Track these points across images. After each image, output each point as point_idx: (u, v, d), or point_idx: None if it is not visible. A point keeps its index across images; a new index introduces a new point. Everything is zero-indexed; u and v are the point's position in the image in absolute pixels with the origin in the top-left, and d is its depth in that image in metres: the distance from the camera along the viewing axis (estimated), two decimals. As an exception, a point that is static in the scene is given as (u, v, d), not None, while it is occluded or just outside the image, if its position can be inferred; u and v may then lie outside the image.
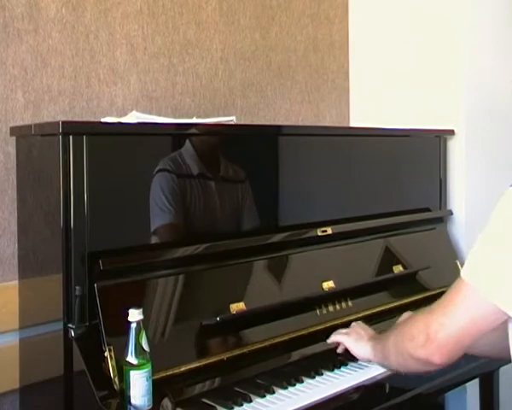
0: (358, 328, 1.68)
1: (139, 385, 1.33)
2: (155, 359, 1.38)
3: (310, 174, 1.95)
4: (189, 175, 1.67)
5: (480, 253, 1.26)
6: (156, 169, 1.60)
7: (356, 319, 1.87)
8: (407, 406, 1.52)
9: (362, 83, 2.70)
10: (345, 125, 2.72)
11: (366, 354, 1.58)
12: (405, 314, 1.70)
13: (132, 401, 1.33)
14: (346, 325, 1.82)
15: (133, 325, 1.34)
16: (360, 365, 1.66)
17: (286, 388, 1.52)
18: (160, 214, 1.59)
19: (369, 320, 1.87)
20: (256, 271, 1.75)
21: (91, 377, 1.37)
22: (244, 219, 1.79)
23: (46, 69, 1.85)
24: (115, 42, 2.00)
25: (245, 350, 1.62)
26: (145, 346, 1.34)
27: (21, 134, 1.65)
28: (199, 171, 1.68)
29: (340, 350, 1.68)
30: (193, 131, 1.72)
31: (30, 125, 1.58)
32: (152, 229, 1.59)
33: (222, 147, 1.79)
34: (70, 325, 1.44)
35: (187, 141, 1.67)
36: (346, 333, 1.68)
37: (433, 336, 1.26)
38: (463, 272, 1.27)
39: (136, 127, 1.61)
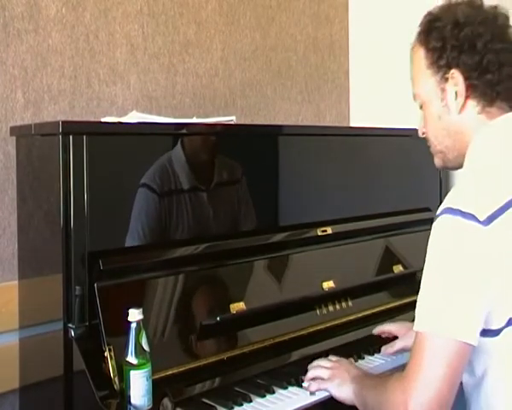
0: (341, 370, 1.49)
1: (139, 385, 1.33)
2: (155, 359, 1.38)
3: (310, 174, 1.95)
4: (189, 179, 1.67)
5: (425, 295, 1.21)
6: (150, 173, 1.58)
7: (356, 319, 1.87)
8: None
9: (362, 83, 2.70)
10: (345, 125, 2.72)
11: (348, 397, 1.43)
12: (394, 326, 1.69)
13: (132, 400, 1.33)
14: (347, 325, 1.83)
15: (133, 325, 1.34)
16: (360, 365, 1.66)
17: (286, 388, 1.52)
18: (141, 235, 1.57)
19: (369, 320, 1.87)
20: (256, 271, 1.75)
21: (91, 377, 1.37)
22: (242, 219, 1.79)
23: (46, 69, 1.85)
24: (115, 42, 2.00)
25: (245, 350, 1.61)
26: (145, 346, 1.34)
27: (21, 134, 1.65)
28: (198, 174, 1.68)
29: (313, 389, 1.50)
30: (193, 131, 1.72)
31: (30, 125, 1.58)
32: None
33: (221, 147, 1.79)
34: (70, 325, 1.44)
35: (181, 143, 1.67)
36: (329, 378, 1.48)
37: (410, 408, 1.16)
38: (418, 324, 1.20)
39: (136, 127, 1.60)
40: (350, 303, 1.89)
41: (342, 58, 2.73)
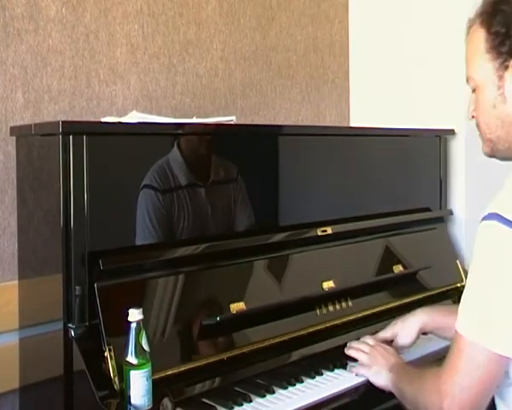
0: (379, 357, 1.57)
1: (139, 385, 1.33)
2: (155, 359, 1.38)
3: (310, 174, 1.95)
4: (189, 178, 1.67)
5: (468, 300, 1.22)
6: (149, 174, 1.59)
7: (356, 319, 1.87)
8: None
9: (362, 83, 2.70)
10: (345, 125, 2.72)
11: (385, 385, 1.50)
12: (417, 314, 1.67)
13: (132, 400, 1.33)
14: (347, 325, 1.83)
15: (133, 325, 1.34)
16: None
17: (286, 388, 1.52)
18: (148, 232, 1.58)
19: (369, 320, 1.87)
20: (256, 271, 1.75)
21: (91, 377, 1.37)
22: (242, 219, 1.79)
23: (46, 69, 1.85)
24: (115, 42, 2.00)
25: (245, 350, 1.61)
26: (145, 346, 1.34)
27: (21, 134, 1.65)
28: (199, 174, 1.68)
29: (354, 372, 1.60)
30: (193, 130, 1.72)
31: (30, 125, 1.58)
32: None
33: (221, 147, 1.78)
34: (70, 325, 1.44)
35: (178, 143, 1.66)
36: (368, 364, 1.57)
37: (446, 409, 1.20)
38: (459, 326, 1.22)
39: (136, 127, 1.60)
40: (350, 303, 1.89)
41: (342, 58, 2.73)
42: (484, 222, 1.19)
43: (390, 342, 1.70)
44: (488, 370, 1.18)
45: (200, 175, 1.70)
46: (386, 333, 1.72)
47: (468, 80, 1.35)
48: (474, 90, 1.34)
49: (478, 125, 1.35)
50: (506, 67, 1.25)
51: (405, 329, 1.68)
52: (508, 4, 1.25)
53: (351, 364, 1.63)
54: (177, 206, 1.63)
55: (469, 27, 1.33)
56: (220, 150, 1.77)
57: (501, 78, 1.26)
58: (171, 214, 1.62)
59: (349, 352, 1.65)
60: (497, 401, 1.30)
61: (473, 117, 1.36)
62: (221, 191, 1.75)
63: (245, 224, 1.80)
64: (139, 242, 1.56)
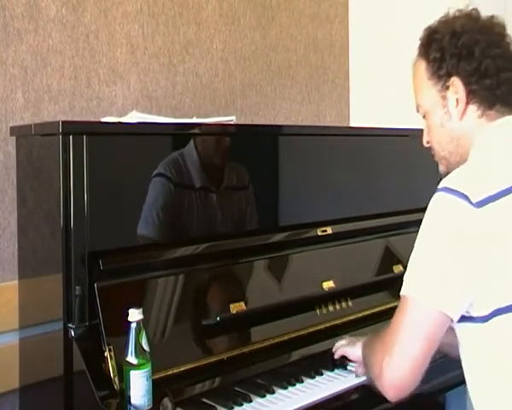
0: (357, 337, 1.64)
1: (139, 385, 1.33)
2: (155, 359, 1.38)
3: (310, 174, 1.95)
4: (189, 178, 1.67)
5: (413, 263, 1.28)
6: (155, 172, 1.60)
7: (356, 319, 1.87)
8: (407, 405, 1.52)
9: (362, 83, 2.70)
10: (345, 125, 2.72)
11: (360, 354, 1.53)
12: None
13: (132, 400, 1.33)
14: (347, 325, 1.83)
15: (133, 325, 1.34)
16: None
17: (286, 388, 1.52)
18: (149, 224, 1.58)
19: (369, 320, 1.87)
20: (256, 271, 1.75)
21: (91, 377, 1.37)
22: (244, 220, 1.79)
23: (46, 69, 1.85)
24: (115, 42, 2.00)
25: (245, 350, 1.62)
26: (145, 346, 1.34)
27: (21, 134, 1.65)
28: (199, 173, 1.68)
29: (337, 356, 1.64)
30: (193, 131, 1.72)
31: (30, 125, 1.58)
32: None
33: (221, 147, 1.78)
34: (70, 325, 1.44)
35: (189, 142, 1.67)
36: (346, 343, 1.63)
37: (384, 368, 1.24)
38: (404, 289, 1.26)
39: (136, 127, 1.60)
40: (350, 303, 1.89)
41: (342, 58, 2.73)
42: (433, 196, 1.27)
43: None
44: (427, 327, 1.22)
45: (211, 176, 1.70)
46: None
47: (417, 109, 1.47)
48: (424, 117, 1.45)
49: (433, 149, 1.46)
50: (447, 87, 1.36)
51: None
52: (439, 33, 1.39)
53: (351, 364, 1.63)
54: (184, 204, 1.63)
55: (414, 63, 1.46)
56: (220, 151, 1.77)
57: (444, 98, 1.37)
58: (177, 212, 1.62)
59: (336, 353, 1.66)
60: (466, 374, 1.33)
61: (427, 143, 1.47)
62: (230, 193, 1.75)
63: (245, 224, 1.80)
64: (152, 229, 1.56)
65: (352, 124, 2.73)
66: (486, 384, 1.27)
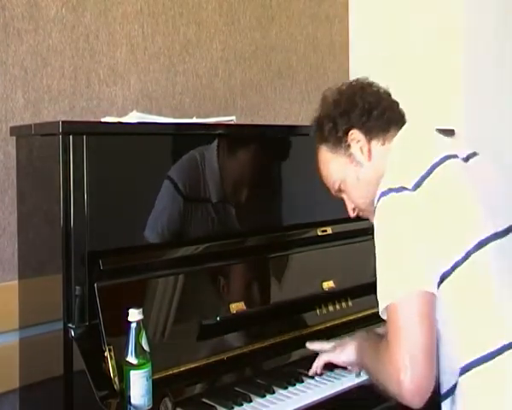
0: (343, 341, 1.60)
1: (139, 385, 1.33)
2: (155, 359, 1.38)
3: (310, 174, 1.95)
4: (192, 178, 1.67)
5: (382, 271, 1.31)
6: (160, 171, 1.61)
7: (356, 319, 1.87)
8: (407, 406, 1.52)
9: (362, 83, 2.70)
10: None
11: (353, 358, 1.52)
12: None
13: (132, 400, 1.33)
14: (347, 325, 1.83)
15: (133, 325, 1.34)
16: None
17: (286, 388, 1.52)
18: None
19: (369, 320, 1.86)
20: (256, 271, 1.75)
21: (91, 377, 1.37)
22: (246, 221, 1.79)
23: (46, 69, 1.85)
24: (115, 42, 2.00)
25: (245, 350, 1.62)
26: (145, 346, 1.34)
27: (21, 134, 1.65)
28: (203, 173, 1.68)
29: (317, 365, 1.58)
30: (193, 131, 1.72)
31: (30, 125, 1.58)
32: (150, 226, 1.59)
33: (221, 147, 1.78)
34: (70, 325, 1.44)
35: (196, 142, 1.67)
36: (331, 350, 1.59)
37: (402, 380, 1.23)
38: (382, 303, 1.29)
39: (136, 127, 1.60)
40: (350, 303, 1.89)
41: (342, 58, 2.73)
42: (377, 203, 1.34)
43: None
44: (421, 312, 1.25)
45: (213, 176, 1.70)
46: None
47: (334, 186, 1.56)
48: (342, 191, 1.56)
49: (361, 211, 1.56)
50: (349, 146, 1.50)
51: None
52: (323, 111, 1.55)
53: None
54: (185, 206, 1.63)
55: (316, 153, 1.58)
56: (220, 150, 1.77)
57: (350, 155, 1.50)
58: (178, 213, 1.62)
59: (312, 346, 1.64)
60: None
61: (354, 211, 1.58)
62: (231, 193, 1.75)
63: (245, 224, 1.80)
64: (138, 242, 1.56)
65: (352, 124, 2.72)
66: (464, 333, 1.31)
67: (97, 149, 1.47)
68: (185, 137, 1.68)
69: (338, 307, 1.86)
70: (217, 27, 2.27)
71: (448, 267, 1.29)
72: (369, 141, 1.49)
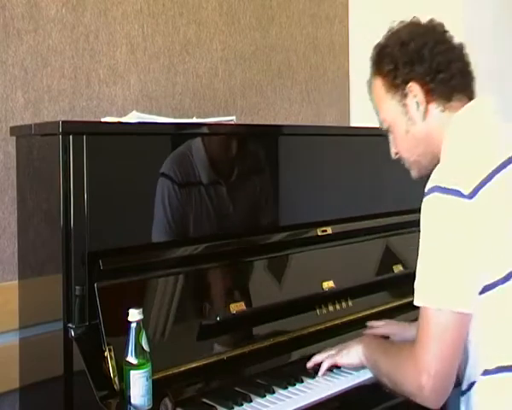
0: (347, 343, 1.60)
1: (139, 385, 1.33)
2: (155, 359, 1.38)
3: (310, 174, 1.95)
4: (192, 178, 1.67)
5: (422, 272, 1.30)
6: (159, 171, 1.60)
7: (356, 319, 1.87)
8: (407, 406, 1.52)
9: (362, 83, 2.70)
10: (345, 125, 2.72)
11: (358, 360, 1.53)
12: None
13: (132, 400, 1.33)
14: (347, 325, 1.83)
15: (133, 325, 1.34)
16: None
17: (286, 388, 1.52)
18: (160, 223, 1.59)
19: (369, 320, 1.86)
20: (256, 271, 1.75)
21: (91, 377, 1.37)
22: (244, 220, 1.79)
23: (46, 69, 1.85)
24: (115, 42, 2.00)
25: (245, 350, 1.61)
26: (145, 346, 1.34)
27: (21, 134, 1.65)
28: (202, 173, 1.68)
29: (323, 369, 1.58)
30: (193, 131, 1.72)
31: (30, 125, 1.58)
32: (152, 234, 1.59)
33: (221, 147, 1.78)
34: (70, 325, 1.44)
35: (197, 143, 1.67)
36: (336, 353, 1.58)
37: (424, 384, 1.26)
38: (417, 299, 1.30)
39: (136, 127, 1.60)
40: (350, 303, 1.89)
41: (342, 58, 2.73)
42: (425, 198, 1.29)
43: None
44: (455, 331, 1.25)
45: (209, 178, 1.70)
46: (383, 329, 1.75)
47: (381, 124, 1.51)
48: (389, 131, 1.50)
49: (402, 158, 1.51)
50: (406, 95, 1.41)
51: (401, 333, 1.71)
52: (388, 46, 1.44)
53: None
54: (185, 206, 1.63)
55: (369, 82, 1.51)
56: (220, 151, 1.77)
57: (405, 105, 1.42)
58: (183, 211, 1.62)
59: (314, 359, 1.61)
60: None
61: (396, 155, 1.52)
62: (230, 193, 1.75)
63: (245, 224, 1.80)
64: (138, 242, 1.56)
65: (352, 124, 2.73)
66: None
67: (97, 149, 1.47)
68: (185, 137, 1.68)
69: (338, 307, 1.86)
70: (217, 27, 2.27)
71: (490, 282, 1.26)
72: (428, 101, 1.40)
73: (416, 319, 1.37)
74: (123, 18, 2.02)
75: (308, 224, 1.91)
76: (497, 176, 1.26)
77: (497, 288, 1.26)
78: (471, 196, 1.23)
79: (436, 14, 2.47)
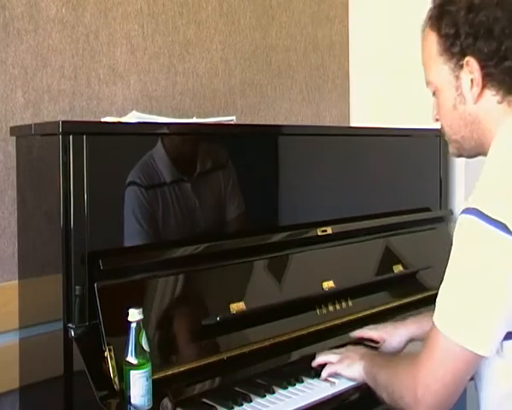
0: (350, 352, 1.58)
1: (139, 385, 1.33)
2: (155, 359, 1.38)
3: (310, 174, 1.95)
4: (192, 177, 1.67)
5: (445, 294, 1.20)
6: (131, 179, 1.55)
7: (356, 319, 1.87)
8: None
9: (362, 83, 2.70)
10: (345, 125, 2.72)
11: (359, 375, 1.49)
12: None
13: (132, 400, 1.33)
14: (347, 325, 1.83)
15: (133, 325, 1.34)
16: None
17: (286, 388, 1.52)
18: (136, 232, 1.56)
19: (369, 320, 1.86)
20: (256, 271, 1.75)
21: (91, 377, 1.37)
22: (243, 219, 1.79)
23: (46, 69, 1.85)
24: (115, 42, 2.00)
25: (245, 350, 1.61)
26: (145, 346, 1.34)
27: (21, 134, 1.65)
28: (202, 173, 1.68)
29: (324, 375, 1.56)
30: (193, 131, 1.72)
31: (30, 125, 1.58)
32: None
33: (221, 147, 1.79)
34: (70, 325, 1.44)
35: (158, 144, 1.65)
36: (339, 360, 1.56)
37: (420, 398, 1.21)
38: (436, 318, 1.20)
39: (136, 127, 1.60)
40: (350, 303, 1.89)
41: (342, 58, 2.73)
42: (463, 215, 1.16)
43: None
44: (462, 364, 1.18)
45: (212, 176, 1.70)
46: (372, 333, 1.71)
47: (427, 84, 1.33)
48: (434, 94, 1.32)
49: (442, 128, 1.34)
50: (461, 66, 1.23)
51: (393, 338, 1.67)
52: (453, 4, 1.23)
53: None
54: (185, 205, 1.63)
55: (422, 31, 1.31)
56: (220, 150, 1.77)
57: (457, 78, 1.24)
58: (179, 213, 1.62)
59: (317, 359, 1.60)
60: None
61: (437, 120, 1.35)
62: (230, 194, 1.75)
63: (245, 224, 1.80)
64: (138, 242, 1.56)
65: (352, 124, 2.73)
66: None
67: (97, 149, 1.47)
68: (185, 137, 1.68)
69: (338, 307, 1.86)
70: (217, 27, 2.27)
71: None
72: (484, 85, 1.22)
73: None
74: (123, 18, 2.02)
75: (308, 224, 1.91)
76: None
77: None
78: None
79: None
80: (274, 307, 1.72)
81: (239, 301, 1.65)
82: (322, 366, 1.60)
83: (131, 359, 1.33)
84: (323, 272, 1.87)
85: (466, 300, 1.16)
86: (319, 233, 1.90)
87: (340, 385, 1.56)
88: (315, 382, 1.57)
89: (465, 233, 1.16)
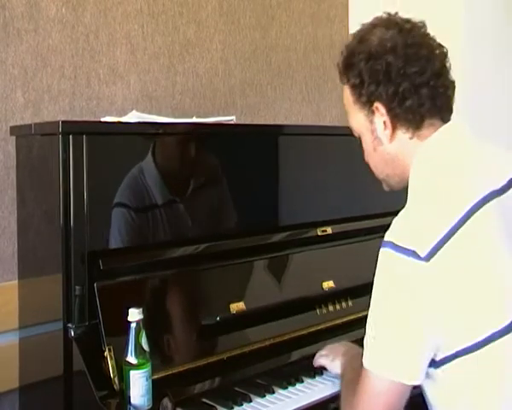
0: (339, 346, 1.62)
1: (139, 385, 1.33)
2: (155, 359, 1.38)
3: (310, 174, 1.95)
4: (191, 177, 1.67)
5: (369, 331, 1.22)
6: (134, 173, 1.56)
7: (356, 319, 1.87)
8: (406, 405, 1.52)
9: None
10: (345, 124, 2.71)
11: (338, 371, 1.53)
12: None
13: (132, 400, 1.33)
14: (347, 325, 1.83)
15: (133, 325, 1.34)
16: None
17: (286, 388, 1.52)
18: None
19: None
20: (256, 271, 1.75)
21: (91, 377, 1.37)
22: (246, 221, 1.79)
23: (46, 69, 1.85)
24: (115, 42, 2.00)
25: (245, 350, 1.61)
26: (145, 346, 1.34)
27: (21, 134, 1.65)
28: (202, 172, 1.68)
29: (315, 364, 1.61)
30: (193, 130, 1.72)
31: (30, 125, 1.58)
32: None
33: (221, 147, 1.79)
34: (70, 325, 1.44)
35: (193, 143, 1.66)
36: (326, 354, 1.60)
37: None
38: (364, 359, 1.22)
39: (136, 127, 1.60)
40: (350, 303, 1.89)
41: (342, 58, 2.73)
42: (381, 249, 1.21)
43: None
44: (394, 396, 1.20)
45: (211, 176, 1.70)
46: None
47: (352, 130, 1.41)
48: (359, 139, 1.40)
49: (370, 169, 1.42)
50: (373, 112, 1.30)
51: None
52: (355, 55, 1.30)
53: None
54: (185, 205, 1.63)
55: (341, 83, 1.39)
56: (220, 150, 1.77)
57: (372, 122, 1.32)
58: (179, 213, 1.62)
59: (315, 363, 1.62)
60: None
61: (367, 162, 1.42)
62: (230, 193, 1.75)
63: (245, 224, 1.80)
64: (138, 242, 1.56)
65: (352, 124, 2.72)
66: None
67: (97, 149, 1.47)
68: (185, 137, 1.68)
69: (338, 307, 1.86)
70: (217, 27, 2.27)
71: (453, 351, 1.17)
72: (394, 125, 1.29)
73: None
74: (123, 18, 2.02)
75: (308, 224, 1.91)
76: (462, 229, 1.15)
77: (464, 356, 1.16)
78: (427, 257, 1.13)
79: (436, 14, 2.48)
80: (274, 307, 1.72)
81: (239, 301, 1.65)
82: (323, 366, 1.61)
83: (131, 359, 1.33)
84: (323, 272, 1.87)
85: (388, 333, 1.19)
86: (319, 233, 1.90)
87: (340, 385, 1.56)
88: (315, 382, 1.57)
89: (381, 265, 1.21)
